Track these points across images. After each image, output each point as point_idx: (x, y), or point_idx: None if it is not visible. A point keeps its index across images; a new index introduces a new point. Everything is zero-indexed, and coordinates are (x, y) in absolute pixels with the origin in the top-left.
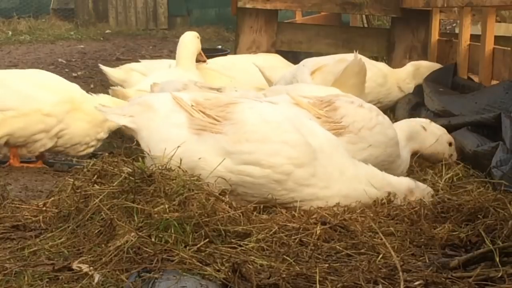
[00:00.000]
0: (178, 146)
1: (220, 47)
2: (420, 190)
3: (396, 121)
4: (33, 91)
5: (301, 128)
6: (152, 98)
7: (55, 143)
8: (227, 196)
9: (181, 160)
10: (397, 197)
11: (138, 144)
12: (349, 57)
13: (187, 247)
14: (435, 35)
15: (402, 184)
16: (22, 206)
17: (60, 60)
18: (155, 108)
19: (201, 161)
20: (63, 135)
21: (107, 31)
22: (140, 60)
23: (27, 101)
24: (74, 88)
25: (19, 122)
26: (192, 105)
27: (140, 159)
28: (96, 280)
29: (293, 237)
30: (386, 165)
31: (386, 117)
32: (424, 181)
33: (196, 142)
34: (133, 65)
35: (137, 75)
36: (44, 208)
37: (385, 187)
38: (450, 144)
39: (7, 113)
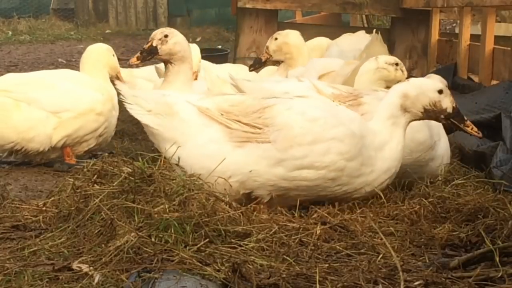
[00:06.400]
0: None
1: (220, 47)
2: (413, 85)
3: None
4: (83, 90)
5: (342, 117)
6: (178, 103)
7: (97, 142)
8: (227, 196)
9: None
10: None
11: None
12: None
13: (187, 247)
14: (435, 35)
15: (392, 102)
16: (22, 206)
17: (60, 60)
18: (181, 117)
19: (253, 173)
20: (104, 133)
21: (107, 31)
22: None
23: (82, 101)
24: (109, 86)
25: (77, 123)
26: (222, 115)
27: (140, 159)
28: (96, 280)
29: (293, 237)
30: (416, 169)
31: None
32: (422, 180)
33: (242, 155)
34: (138, 71)
35: (141, 80)
36: (44, 208)
37: (389, 120)
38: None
39: (63, 115)
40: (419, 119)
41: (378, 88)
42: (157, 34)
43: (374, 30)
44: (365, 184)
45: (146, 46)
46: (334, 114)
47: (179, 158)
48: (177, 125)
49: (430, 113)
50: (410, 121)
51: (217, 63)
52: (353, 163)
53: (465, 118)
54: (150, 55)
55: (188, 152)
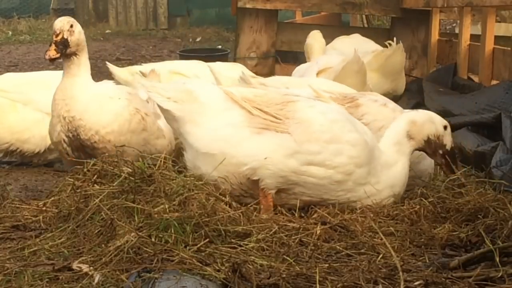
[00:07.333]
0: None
1: (220, 47)
2: (422, 113)
3: None
4: None
5: (357, 126)
6: (198, 89)
7: None
8: (227, 196)
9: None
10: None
11: None
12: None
13: (187, 247)
14: (435, 35)
15: (400, 127)
16: (22, 206)
17: (60, 60)
18: (201, 101)
19: (267, 160)
20: None
21: (107, 31)
22: (142, 64)
23: None
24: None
25: None
26: (245, 102)
27: (140, 159)
28: (96, 280)
29: (293, 237)
30: (412, 166)
31: None
32: (422, 181)
33: (259, 141)
34: (137, 67)
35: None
36: (44, 208)
37: (395, 147)
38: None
39: None
40: (419, 150)
41: (369, 92)
42: (65, 25)
43: (395, 38)
44: (370, 194)
45: (58, 39)
46: (351, 121)
47: (194, 138)
48: (197, 108)
49: (432, 144)
50: (413, 150)
51: None
52: (361, 170)
53: (458, 161)
54: (65, 48)
55: (201, 131)
